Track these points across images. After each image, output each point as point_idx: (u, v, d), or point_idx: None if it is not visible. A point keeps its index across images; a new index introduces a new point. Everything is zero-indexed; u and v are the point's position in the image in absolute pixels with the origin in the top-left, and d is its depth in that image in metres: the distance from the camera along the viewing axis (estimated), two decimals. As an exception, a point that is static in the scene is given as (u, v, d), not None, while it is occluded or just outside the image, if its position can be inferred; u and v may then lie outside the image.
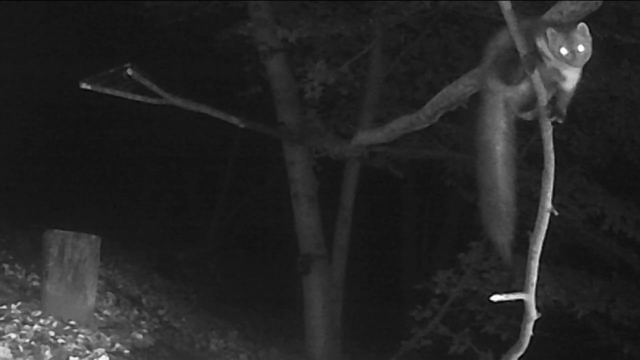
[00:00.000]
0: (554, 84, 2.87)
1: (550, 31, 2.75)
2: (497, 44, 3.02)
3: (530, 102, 2.97)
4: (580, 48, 2.75)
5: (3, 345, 4.92)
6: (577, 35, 2.75)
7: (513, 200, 3.00)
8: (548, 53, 2.79)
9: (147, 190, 14.89)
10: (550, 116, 2.82)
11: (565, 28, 2.78)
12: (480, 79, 3.21)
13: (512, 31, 2.79)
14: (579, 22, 2.80)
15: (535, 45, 2.80)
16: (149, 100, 6.68)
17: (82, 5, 12.54)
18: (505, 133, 3.02)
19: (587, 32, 2.77)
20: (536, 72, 2.81)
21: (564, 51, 2.75)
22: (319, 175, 8.73)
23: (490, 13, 7.16)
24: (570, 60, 2.76)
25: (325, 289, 8.51)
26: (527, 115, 3.04)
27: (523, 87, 2.97)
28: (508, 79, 2.95)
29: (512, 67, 2.92)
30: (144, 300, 8.46)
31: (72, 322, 5.81)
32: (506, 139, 3.02)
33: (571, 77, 2.86)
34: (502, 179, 3.00)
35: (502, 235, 3.02)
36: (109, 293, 7.55)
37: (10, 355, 4.86)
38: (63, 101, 11.85)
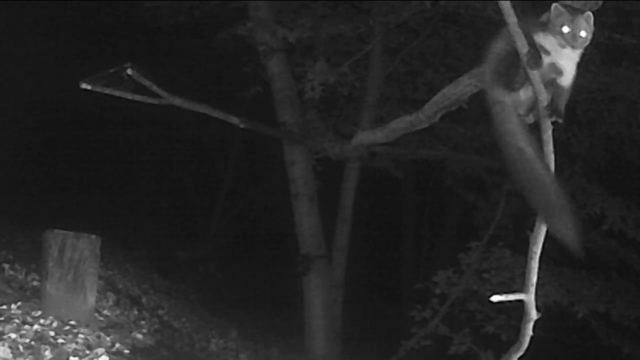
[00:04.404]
0: (551, 82, 2.87)
1: (555, 6, 2.76)
2: (495, 51, 3.01)
3: (532, 104, 2.97)
4: (582, 33, 2.77)
5: (3, 345, 4.92)
6: (582, 21, 2.76)
7: (563, 191, 2.88)
8: (547, 43, 2.80)
9: (147, 190, 14.88)
10: (550, 116, 2.82)
11: (571, 10, 2.79)
12: (482, 83, 3.19)
13: (512, 31, 2.79)
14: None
15: (533, 43, 2.81)
16: (149, 100, 6.67)
17: (82, 5, 12.54)
18: (527, 133, 2.96)
19: (592, 22, 2.79)
20: (536, 72, 2.81)
21: (565, 29, 2.75)
22: (319, 175, 8.72)
23: (490, 13, 7.16)
24: (569, 40, 2.76)
25: (325, 289, 8.51)
26: (529, 118, 3.04)
27: (525, 90, 2.97)
28: (511, 85, 2.95)
29: (513, 71, 2.91)
30: (144, 300, 8.46)
31: (72, 322, 5.81)
32: (530, 137, 2.96)
33: (568, 70, 2.86)
34: (544, 175, 2.90)
35: (568, 229, 2.86)
36: (109, 293, 7.55)
37: (10, 355, 4.86)
38: (63, 101, 11.85)
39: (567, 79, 2.88)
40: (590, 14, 2.79)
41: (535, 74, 2.81)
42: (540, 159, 2.89)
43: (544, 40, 2.82)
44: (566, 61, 2.85)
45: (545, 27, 2.82)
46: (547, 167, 2.87)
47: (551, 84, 2.87)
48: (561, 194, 2.86)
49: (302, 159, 8.52)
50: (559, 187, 2.86)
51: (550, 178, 2.86)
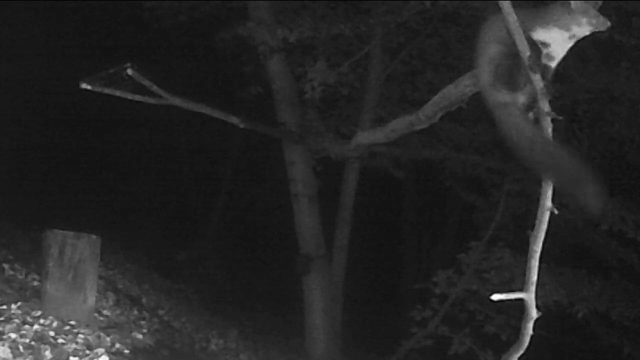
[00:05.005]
0: (542, 67, 2.92)
1: (574, 3, 2.80)
2: (490, 54, 3.02)
3: (530, 103, 2.98)
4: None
5: (3, 345, 4.92)
6: None
7: (581, 162, 2.90)
8: (548, 37, 2.85)
9: (147, 190, 14.88)
10: (547, 95, 2.85)
11: None
12: (479, 86, 3.20)
13: (514, 32, 2.79)
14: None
15: (533, 42, 2.82)
16: (149, 100, 6.68)
17: (82, 5, 12.54)
18: (531, 123, 2.99)
19: None
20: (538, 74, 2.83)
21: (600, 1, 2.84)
22: (319, 175, 8.73)
23: (491, 13, 7.14)
24: (599, 23, 2.83)
25: (325, 289, 8.51)
26: (528, 116, 3.05)
27: (525, 89, 2.98)
28: (514, 87, 2.96)
29: (514, 73, 2.92)
30: (144, 300, 8.46)
31: (72, 322, 5.81)
32: (535, 126, 2.99)
33: (561, 55, 2.91)
34: (559, 152, 2.91)
35: (591, 195, 2.87)
36: (109, 293, 7.54)
37: (10, 355, 4.86)
38: (63, 101, 11.85)
39: (556, 62, 2.95)
40: None
41: (537, 76, 2.82)
42: (549, 141, 2.91)
43: (544, 33, 2.84)
44: (563, 49, 2.89)
45: (545, 20, 2.85)
46: (558, 145, 2.92)
47: (540, 68, 2.91)
48: (580, 165, 2.88)
49: (302, 159, 8.52)
50: (576, 160, 2.89)
51: (565, 153, 2.90)
